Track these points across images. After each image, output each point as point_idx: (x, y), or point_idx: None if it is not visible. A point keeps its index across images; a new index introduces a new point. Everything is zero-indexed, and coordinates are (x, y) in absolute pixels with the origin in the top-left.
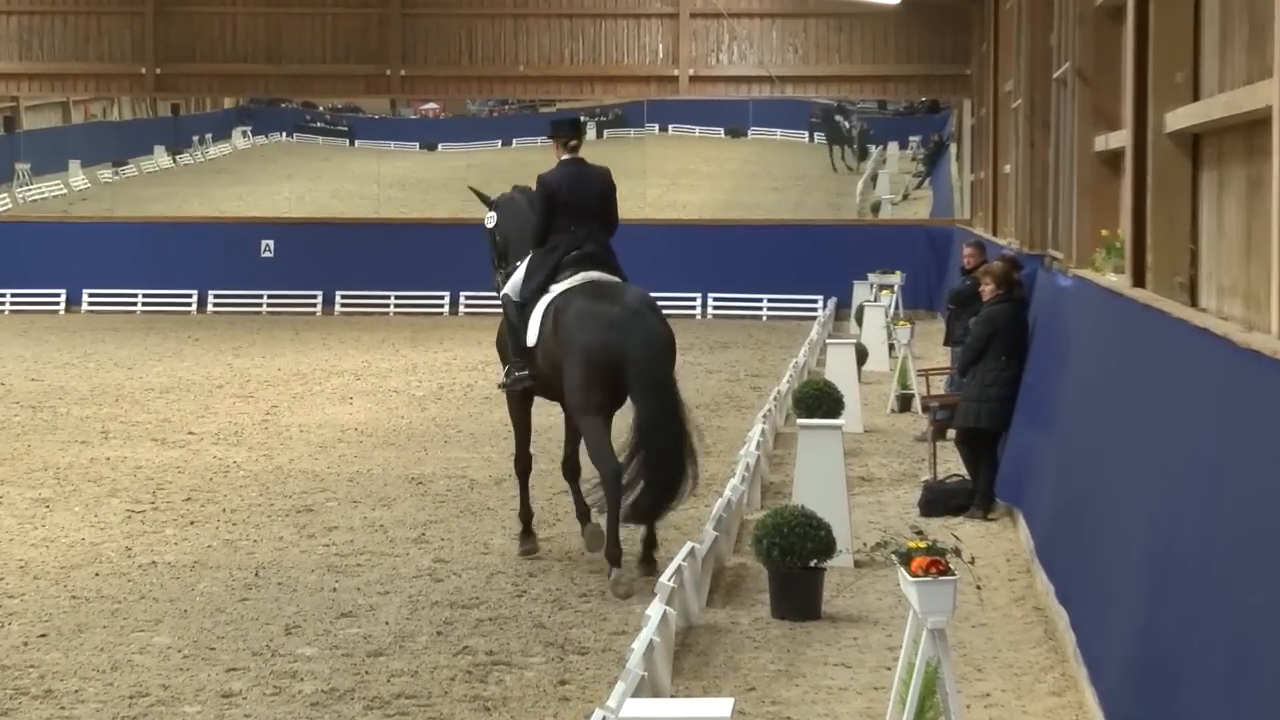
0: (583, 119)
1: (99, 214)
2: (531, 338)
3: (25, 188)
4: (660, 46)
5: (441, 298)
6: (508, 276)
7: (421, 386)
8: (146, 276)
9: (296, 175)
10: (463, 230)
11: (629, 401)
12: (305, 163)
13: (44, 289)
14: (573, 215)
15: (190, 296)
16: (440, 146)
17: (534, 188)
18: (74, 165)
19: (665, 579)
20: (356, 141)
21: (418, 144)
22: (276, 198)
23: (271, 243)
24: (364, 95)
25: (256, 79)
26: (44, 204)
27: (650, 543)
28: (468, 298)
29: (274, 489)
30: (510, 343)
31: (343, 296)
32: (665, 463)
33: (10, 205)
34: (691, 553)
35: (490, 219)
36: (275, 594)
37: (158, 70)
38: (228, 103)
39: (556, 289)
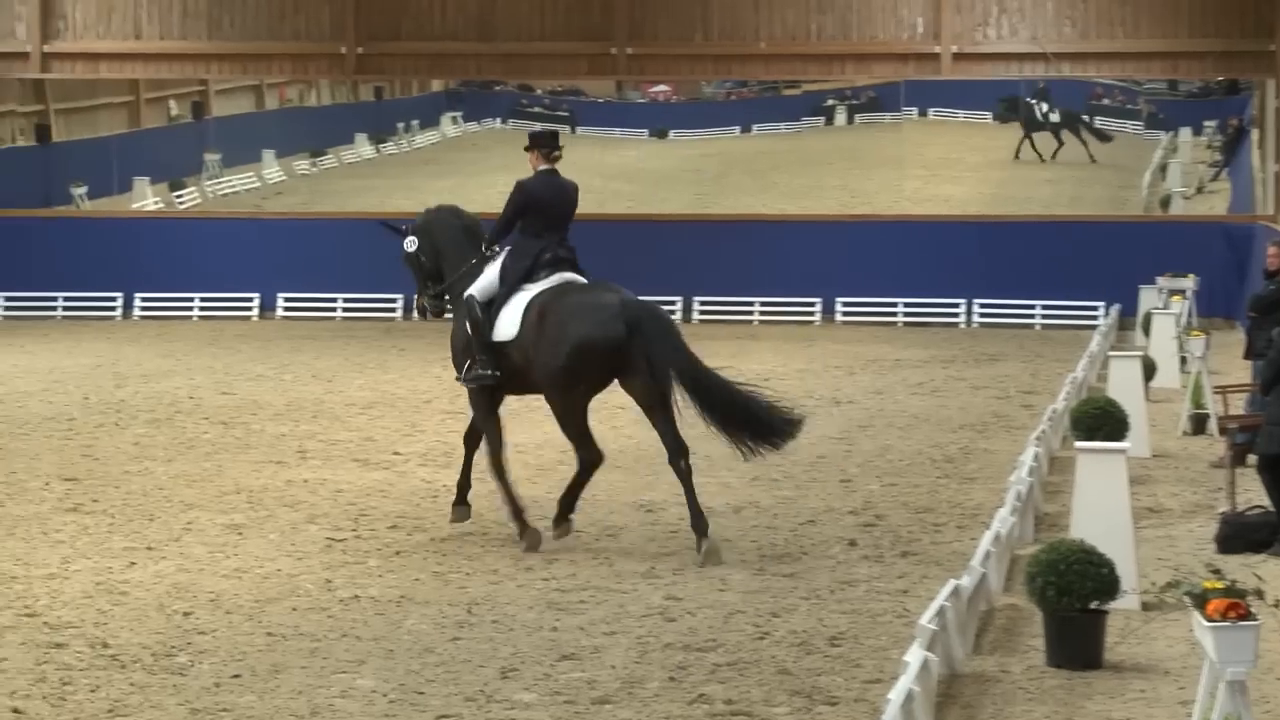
0: (559, 131)
1: (295, 209)
2: (505, 333)
3: (215, 180)
4: (920, 20)
5: (674, 302)
6: (438, 296)
7: None
8: (347, 278)
9: (512, 166)
10: (697, 228)
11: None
12: (521, 152)
13: (236, 292)
14: (545, 222)
15: (394, 301)
16: (671, 134)
17: (510, 193)
18: (268, 155)
19: (926, 620)
20: (578, 128)
21: (646, 131)
22: (489, 191)
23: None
24: (586, 76)
25: (467, 59)
26: (235, 199)
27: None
28: (702, 303)
29: (488, 516)
30: (474, 340)
31: None
32: (723, 392)
33: (199, 199)
34: (955, 591)
35: (410, 244)
36: (490, 633)
37: (359, 50)
38: (436, 85)
39: (534, 288)
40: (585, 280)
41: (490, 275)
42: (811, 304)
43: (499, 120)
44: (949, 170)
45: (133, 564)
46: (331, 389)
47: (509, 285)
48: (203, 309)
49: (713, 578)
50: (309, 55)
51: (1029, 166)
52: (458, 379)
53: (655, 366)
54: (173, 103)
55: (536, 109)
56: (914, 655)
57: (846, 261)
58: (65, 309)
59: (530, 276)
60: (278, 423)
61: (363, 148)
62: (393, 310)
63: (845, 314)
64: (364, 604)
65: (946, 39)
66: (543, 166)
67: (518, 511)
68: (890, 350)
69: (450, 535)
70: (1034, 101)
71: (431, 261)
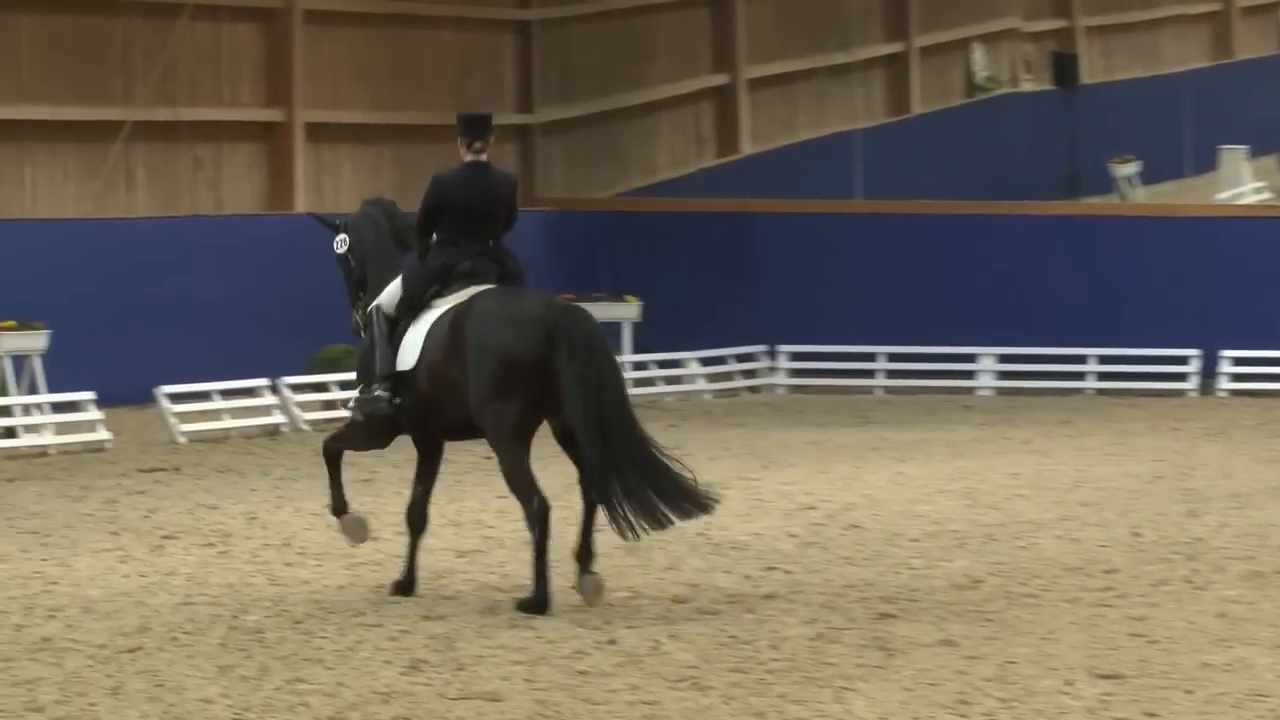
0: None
1: None
2: (409, 359)
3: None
4: None
5: None
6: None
7: None
8: None
9: None
10: None
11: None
12: None
13: None
14: (464, 226)
15: None
16: None
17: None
18: None
19: None
20: None
21: None
22: None
23: None
24: None
25: None
26: None
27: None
28: None
29: None
30: (377, 363)
31: None
32: (620, 437)
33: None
34: None
35: (340, 243)
36: None
37: None
38: None
39: (444, 304)
40: (508, 289)
41: (393, 286)
42: None
43: None
44: None
45: None
46: None
47: (417, 303)
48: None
49: None
50: None
51: None
52: (350, 403)
53: (567, 387)
54: None
55: None
56: None
57: None
58: (1096, 375)
59: (442, 293)
60: None
61: None
62: None
63: None
64: None
65: None
66: (468, 158)
67: (339, 499)
68: None
69: None
70: None
71: (360, 267)
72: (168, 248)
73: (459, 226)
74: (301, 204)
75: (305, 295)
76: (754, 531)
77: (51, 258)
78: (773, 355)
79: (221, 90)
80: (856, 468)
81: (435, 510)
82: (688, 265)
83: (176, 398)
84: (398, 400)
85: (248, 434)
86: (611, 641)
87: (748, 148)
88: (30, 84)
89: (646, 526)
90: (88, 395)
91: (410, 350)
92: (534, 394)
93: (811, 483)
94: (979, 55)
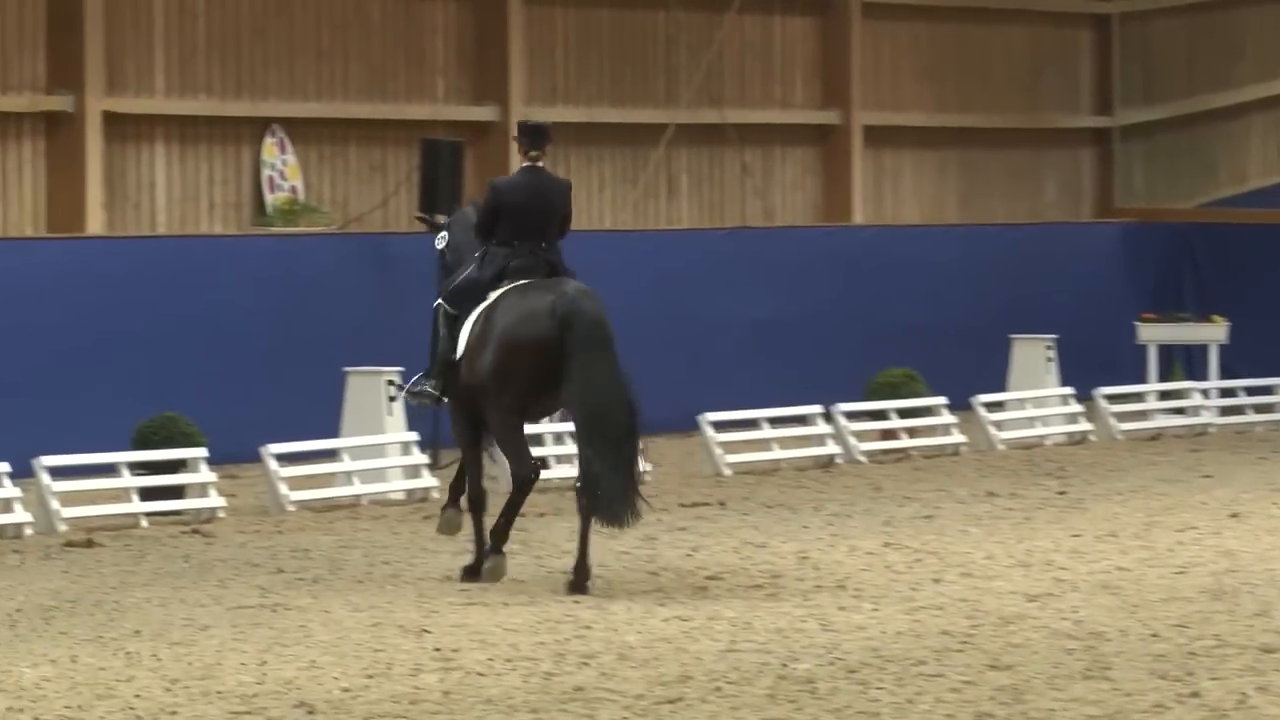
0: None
1: None
2: (460, 347)
3: None
4: None
5: None
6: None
7: None
8: None
9: None
10: None
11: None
12: None
13: None
14: (518, 228)
15: None
16: None
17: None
18: None
19: None
20: None
21: None
22: None
23: None
24: None
25: None
26: None
27: (583, 569)
28: None
29: None
30: (435, 355)
31: None
32: (625, 440)
33: None
34: None
35: (440, 240)
36: None
37: None
38: None
39: (492, 296)
40: (545, 280)
41: (456, 284)
42: None
43: None
44: None
45: None
46: None
47: (474, 298)
48: None
49: None
50: None
51: None
52: (401, 387)
53: (570, 375)
54: None
55: None
56: None
57: None
58: None
59: (495, 287)
60: None
61: None
62: None
63: None
64: None
65: None
66: (525, 164)
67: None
68: None
69: None
70: None
71: (454, 262)
72: (712, 261)
73: (514, 229)
74: (859, 214)
75: (863, 314)
76: None
77: (585, 271)
78: None
79: (772, 90)
80: None
81: (1002, 549)
82: None
83: (721, 426)
84: (445, 399)
85: (799, 465)
86: (1195, 694)
87: None
88: (565, 84)
89: (617, 515)
90: None
91: (463, 340)
92: (535, 374)
93: None
94: None
